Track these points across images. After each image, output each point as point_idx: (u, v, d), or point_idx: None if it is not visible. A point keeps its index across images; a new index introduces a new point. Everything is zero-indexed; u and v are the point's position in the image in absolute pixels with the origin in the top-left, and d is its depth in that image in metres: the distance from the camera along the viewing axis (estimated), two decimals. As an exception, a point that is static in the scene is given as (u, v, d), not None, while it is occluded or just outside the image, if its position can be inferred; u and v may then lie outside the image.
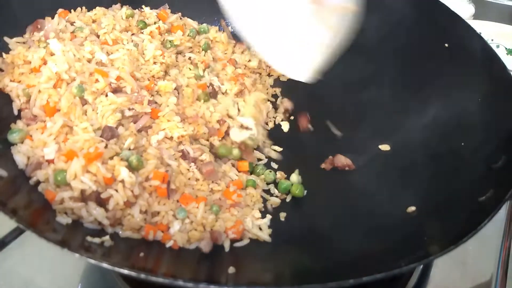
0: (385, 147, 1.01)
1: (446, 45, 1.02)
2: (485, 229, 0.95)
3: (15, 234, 0.90)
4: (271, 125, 1.12)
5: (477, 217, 0.67)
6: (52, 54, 0.91)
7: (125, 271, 0.59)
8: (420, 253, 0.64)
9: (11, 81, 0.91)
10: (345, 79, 1.10)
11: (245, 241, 0.83)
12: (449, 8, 1.05)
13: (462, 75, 0.96)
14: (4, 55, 0.93)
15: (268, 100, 1.16)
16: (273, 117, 1.14)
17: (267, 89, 1.20)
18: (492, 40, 1.62)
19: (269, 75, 1.23)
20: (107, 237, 0.72)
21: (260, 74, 1.22)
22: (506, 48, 1.60)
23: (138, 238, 0.77)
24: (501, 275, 0.92)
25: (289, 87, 1.19)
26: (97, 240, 0.70)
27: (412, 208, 0.82)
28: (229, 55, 1.19)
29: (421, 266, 0.91)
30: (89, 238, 0.70)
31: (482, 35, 1.55)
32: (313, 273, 0.68)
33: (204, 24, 1.22)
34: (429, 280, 0.91)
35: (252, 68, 1.19)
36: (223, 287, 0.58)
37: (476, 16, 1.75)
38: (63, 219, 0.73)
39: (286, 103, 1.15)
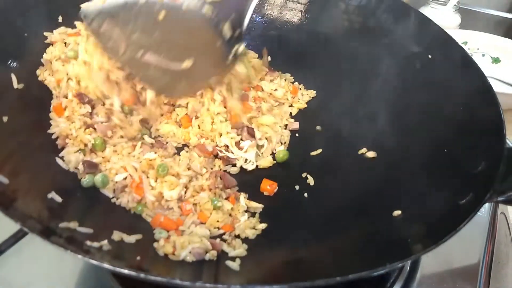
0: (371, 153, 1.06)
1: (430, 56, 1.07)
2: (470, 232, 1.02)
3: (11, 241, 0.94)
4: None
5: (457, 219, 0.71)
6: None
7: (125, 271, 0.62)
8: (404, 253, 0.69)
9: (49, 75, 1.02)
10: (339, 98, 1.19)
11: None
12: (432, 20, 1.11)
13: (445, 84, 1.01)
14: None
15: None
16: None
17: (282, 116, 1.19)
18: (478, 49, 1.69)
19: (291, 105, 1.24)
20: (105, 242, 0.75)
21: (283, 104, 1.23)
22: (491, 57, 1.67)
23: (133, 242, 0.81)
24: (484, 276, 0.97)
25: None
26: (96, 244, 0.74)
27: (397, 212, 0.86)
28: (256, 81, 1.20)
29: (408, 268, 0.96)
30: (88, 242, 0.73)
31: (468, 44, 1.64)
32: (301, 272, 0.72)
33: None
34: (415, 281, 0.95)
35: (276, 98, 1.21)
36: (218, 285, 0.62)
37: (462, 26, 1.82)
38: (64, 224, 0.77)
39: (293, 125, 1.19)
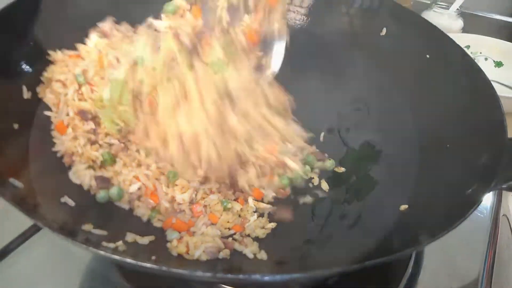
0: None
1: (428, 56, 1.14)
2: (472, 235, 1.08)
3: (20, 240, 1.00)
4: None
5: (464, 208, 0.76)
6: None
7: (148, 265, 0.67)
8: (414, 241, 0.75)
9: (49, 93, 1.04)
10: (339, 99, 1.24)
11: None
12: (429, 21, 1.18)
13: (445, 81, 1.08)
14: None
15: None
16: None
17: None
18: (480, 53, 1.75)
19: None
20: (120, 242, 0.81)
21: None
22: (494, 61, 1.74)
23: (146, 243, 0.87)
24: (486, 279, 1.02)
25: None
26: (112, 245, 0.79)
27: (404, 206, 0.92)
28: None
29: (410, 270, 1.01)
30: (104, 243, 0.78)
31: (471, 48, 1.71)
32: (317, 264, 0.78)
33: None
34: (418, 282, 1.01)
35: None
36: (239, 275, 0.67)
37: (465, 30, 1.89)
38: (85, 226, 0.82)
39: None
